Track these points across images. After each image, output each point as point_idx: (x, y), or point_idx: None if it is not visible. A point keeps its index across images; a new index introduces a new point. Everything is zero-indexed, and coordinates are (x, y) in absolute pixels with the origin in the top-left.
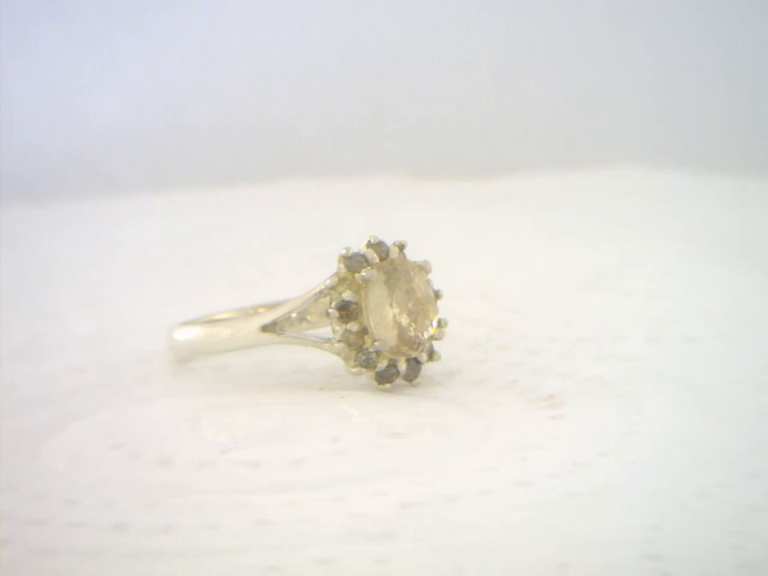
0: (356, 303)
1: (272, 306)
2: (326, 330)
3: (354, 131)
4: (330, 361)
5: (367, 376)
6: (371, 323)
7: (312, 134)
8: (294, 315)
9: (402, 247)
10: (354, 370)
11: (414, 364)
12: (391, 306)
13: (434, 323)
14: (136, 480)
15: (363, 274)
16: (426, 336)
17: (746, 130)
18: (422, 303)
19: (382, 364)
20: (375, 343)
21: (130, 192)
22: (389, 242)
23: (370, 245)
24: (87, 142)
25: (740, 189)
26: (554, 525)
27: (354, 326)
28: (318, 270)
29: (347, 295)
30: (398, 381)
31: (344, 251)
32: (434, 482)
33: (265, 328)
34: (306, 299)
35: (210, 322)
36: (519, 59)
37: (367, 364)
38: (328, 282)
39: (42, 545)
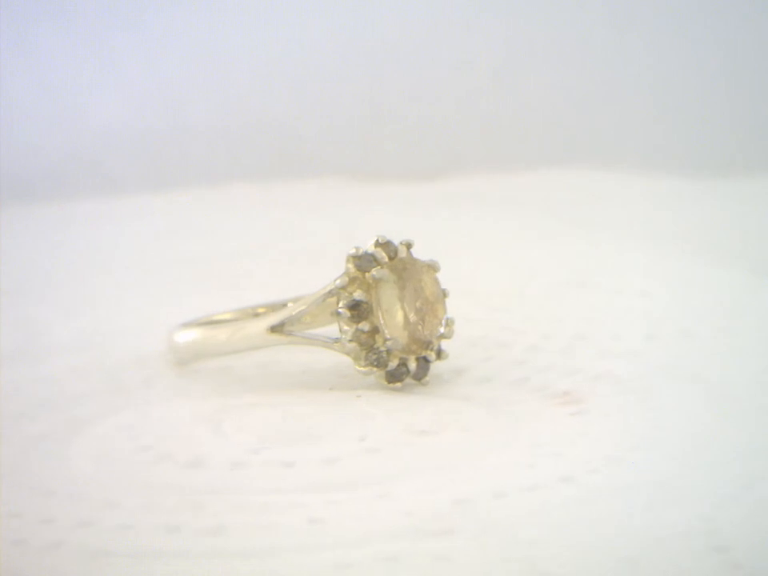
0: (367, 302)
1: (272, 306)
2: (329, 330)
3: (354, 131)
4: (334, 361)
5: (377, 375)
6: (382, 322)
7: (312, 134)
8: (301, 315)
9: (408, 246)
10: (364, 369)
11: (423, 363)
12: (402, 304)
13: (443, 322)
14: (173, 482)
15: (374, 273)
16: (435, 335)
17: (744, 131)
18: (431, 302)
19: (393, 363)
20: (387, 342)
21: (130, 192)
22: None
23: (378, 244)
24: (87, 142)
25: (737, 189)
26: (611, 518)
27: (365, 326)
28: (320, 270)
29: (358, 294)
30: (407, 380)
31: (353, 251)
32: (478, 479)
33: (273, 329)
34: (315, 299)
35: (212, 323)
36: (519, 59)
37: (378, 363)
38: (338, 281)
39: (96, 546)
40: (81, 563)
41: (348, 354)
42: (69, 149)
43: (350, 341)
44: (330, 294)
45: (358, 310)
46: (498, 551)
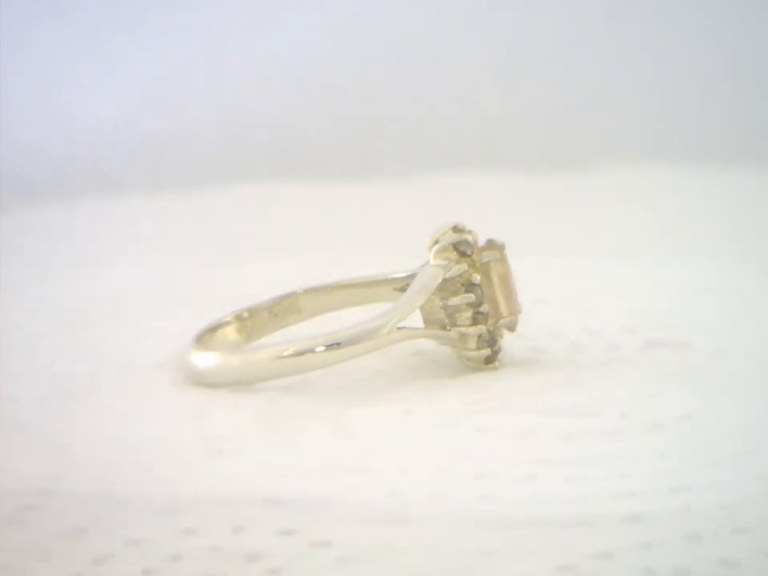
0: (479, 285)
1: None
2: None
3: (354, 131)
4: (401, 353)
5: (476, 357)
6: (498, 303)
7: (312, 134)
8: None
9: None
10: (477, 352)
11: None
12: (501, 284)
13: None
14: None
15: (487, 255)
16: (518, 312)
17: (745, 128)
18: (510, 280)
19: (499, 342)
20: (502, 321)
21: (130, 192)
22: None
23: (458, 230)
24: (87, 142)
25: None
26: None
27: (485, 308)
28: (322, 270)
29: (476, 278)
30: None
31: (453, 238)
32: None
33: (399, 328)
34: (426, 291)
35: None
36: (519, 59)
37: (489, 344)
38: (455, 269)
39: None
40: (431, 535)
41: (461, 338)
42: (69, 149)
43: (472, 325)
44: (446, 281)
45: (473, 293)
46: None
